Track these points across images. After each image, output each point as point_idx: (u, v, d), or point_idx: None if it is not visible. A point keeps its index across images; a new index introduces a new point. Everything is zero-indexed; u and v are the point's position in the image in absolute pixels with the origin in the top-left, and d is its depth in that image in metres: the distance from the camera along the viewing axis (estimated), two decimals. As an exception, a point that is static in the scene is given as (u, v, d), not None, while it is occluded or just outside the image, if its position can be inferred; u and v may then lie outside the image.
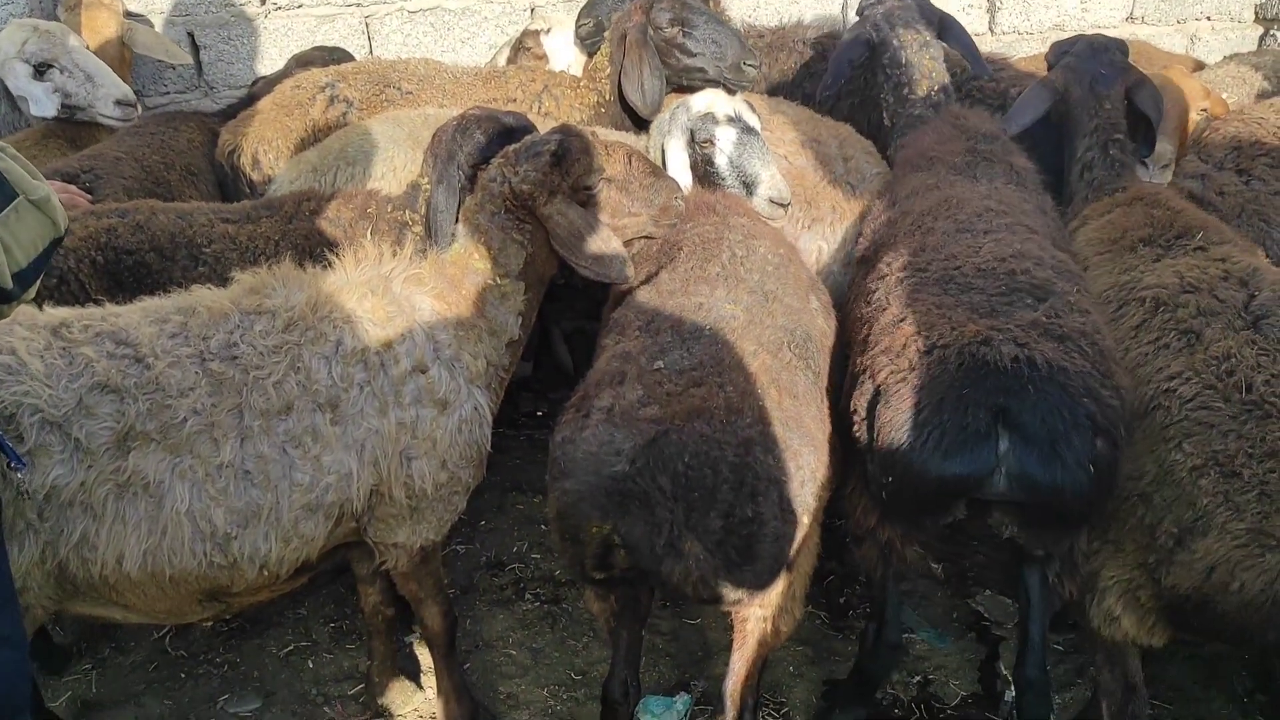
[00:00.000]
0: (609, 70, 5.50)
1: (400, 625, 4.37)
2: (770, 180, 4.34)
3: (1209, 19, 8.03)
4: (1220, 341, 3.46)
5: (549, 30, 6.39)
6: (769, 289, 3.65)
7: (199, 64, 7.18)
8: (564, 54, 6.34)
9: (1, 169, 2.41)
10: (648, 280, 3.80)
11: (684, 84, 5.42)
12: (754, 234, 3.97)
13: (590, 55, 6.03)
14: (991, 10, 7.84)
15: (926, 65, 5.01)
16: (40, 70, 5.55)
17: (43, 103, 5.58)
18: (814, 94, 6.00)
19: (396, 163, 5.01)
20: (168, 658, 4.53)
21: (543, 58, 6.35)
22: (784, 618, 3.32)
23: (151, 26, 6.76)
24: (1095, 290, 3.98)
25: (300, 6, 7.22)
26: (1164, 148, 4.97)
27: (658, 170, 3.93)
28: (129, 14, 6.47)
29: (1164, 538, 3.22)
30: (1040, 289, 3.51)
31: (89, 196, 4.70)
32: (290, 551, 3.33)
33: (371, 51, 7.32)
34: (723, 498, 2.95)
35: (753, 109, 4.57)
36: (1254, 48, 7.93)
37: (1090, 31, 7.31)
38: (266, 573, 3.32)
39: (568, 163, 3.60)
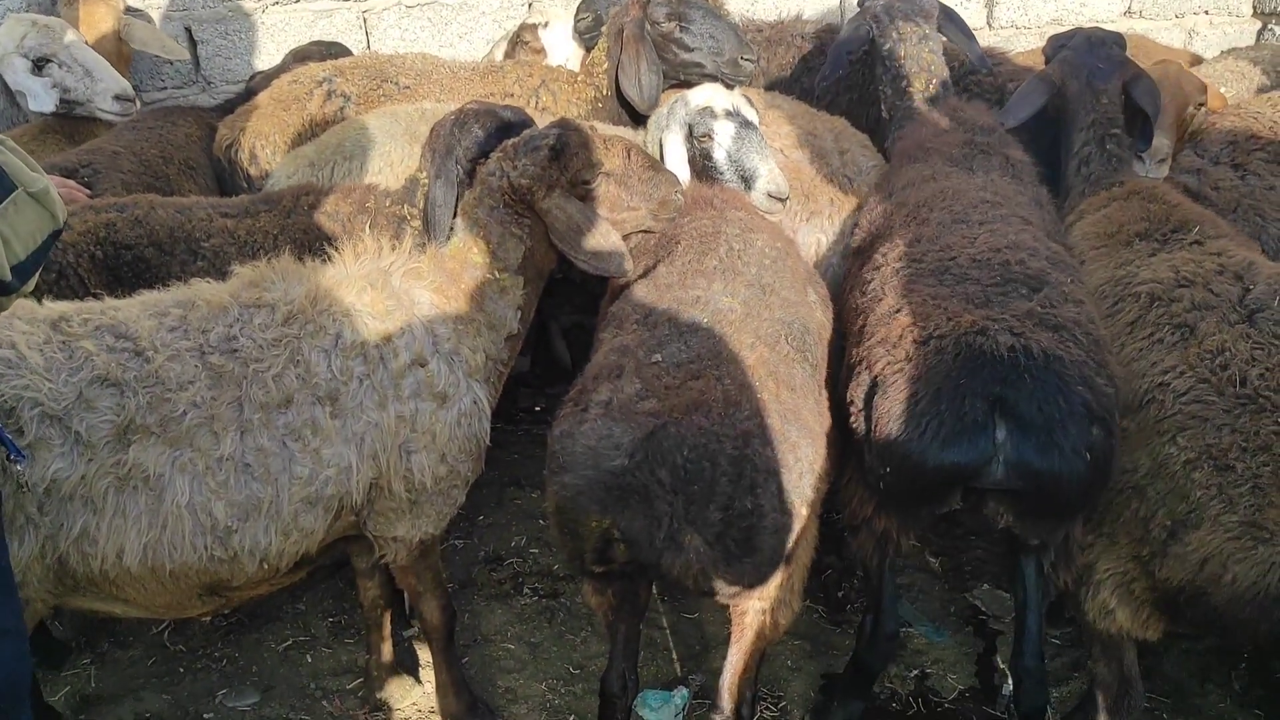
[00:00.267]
0: (606, 65, 5.50)
1: (399, 620, 4.39)
2: (768, 174, 4.34)
3: (1207, 13, 8.03)
4: (1215, 335, 3.47)
5: (546, 24, 6.39)
6: (766, 282, 3.66)
7: (196, 59, 7.18)
8: (561, 48, 6.34)
9: (0, 162, 2.41)
10: (645, 274, 3.81)
11: (682, 79, 5.42)
12: (751, 227, 3.97)
13: (588, 50, 6.03)
14: (990, 5, 7.84)
15: (925, 58, 5.02)
16: (39, 65, 5.55)
17: (41, 98, 5.58)
18: (813, 88, 6.01)
19: (394, 157, 5.01)
20: (167, 652, 4.54)
21: (540, 52, 6.35)
22: (782, 610, 3.32)
23: (150, 21, 6.76)
24: (1091, 284, 4.00)
25: (298, 1, 7.22)
26: (1160, 142, 4.97)
27: (656, 164, 3.94)
28: (129, 9, 6.47)
29: (1158, 531, 3.24)
30: (1035, 279, 3.52)
31: (88, 191, 4.70)
32: (290, 545, 3.34)
33: (369, 46, 7.31)
34: (721, 490, 2.96)
35: (750, 103, 4.58)
36: (1252, 42, 7.93)
37: (1088, 25, 7.31)
38: (266, 566, 3.33)
39: (566, 157, 3.61)
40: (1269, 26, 7.90)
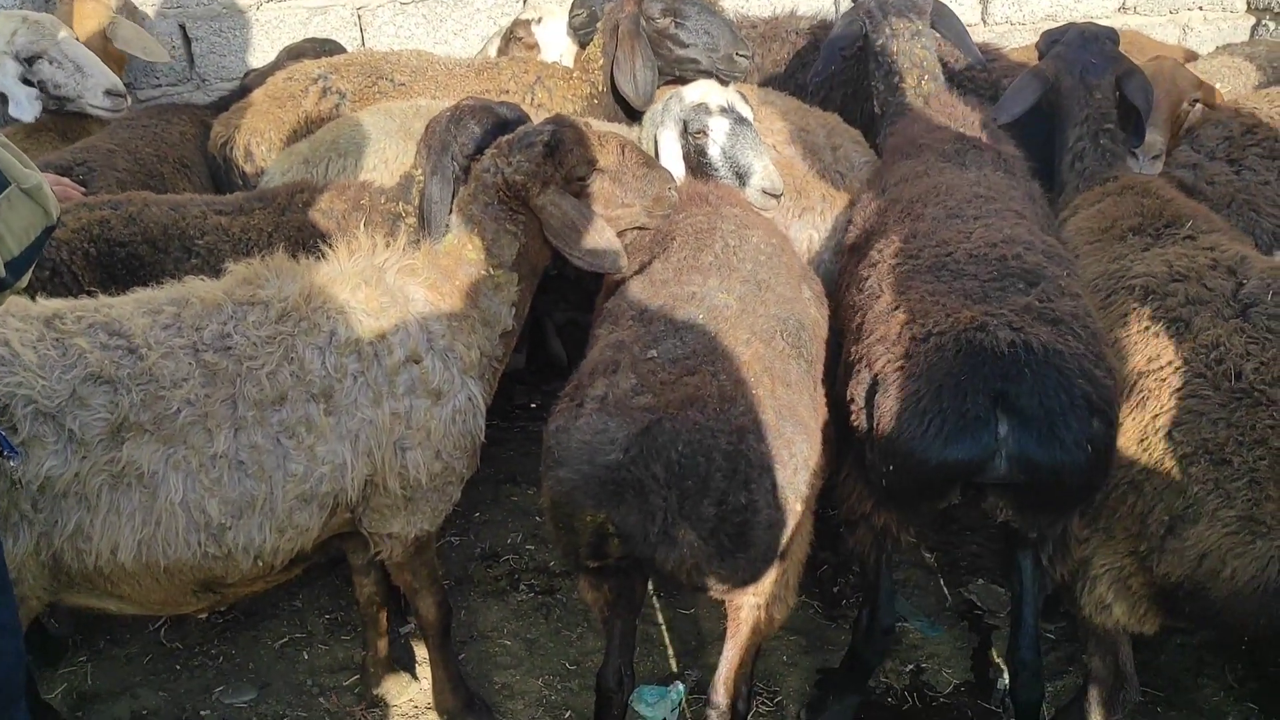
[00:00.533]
0: (602, 61, 5.49)
1: (395, 616, 4.39)
2: (763, 170, 4.34)
3: (1201, 9, 8.03)
4: (1209, 330, 3.48)
5: (540, 20, 6.38)
6: (761, 278, 3.66)
7: (191, 56, 7.17)
8: (556, 44, 6.33)
9: (-6, 158, 2.41)
10: (641, 270, 3.81)
11: (677, 75, 5.42)
12: (746, 224, 3.97)
13: (583, 46, 6.03)
14: (984, 1, 7.84)
15: (918, 54, 5.01)
16: (30, 62, 5.54)
17: (23, 106, 5.56)
18: (806, 84, 6.01)
19: (388, 154, 5.00)
20: (163, 649, 4.54)
21: (534, 47, 6.34)
22: (777, 605, 3.33)
23: (145, 18, 6.75)
24: (1086, 278, 4.00)
25: (292, -2, 7.21)
26: (1154, 138, 4.97)
27: (651, 161, 3.94)
28: (125, 6, 6.46)
29: (1155, 526, 3.24)
30: (1031, 273, 3.53)
31: (82, 189, 4.70)
32: (285, 542, 3.34)
33: (364, 43, 7.31)
34: (716, 485, 2.96)
35: (745, 100, 4.58)
36: (1246, 37, 7.93)
37: (1082, 21, 7.32)
38: (261, 563, 3.33)
39: (561, 153, 3.61)
40: (1263, 22, 7.90)
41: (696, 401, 3.03)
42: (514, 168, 3.59)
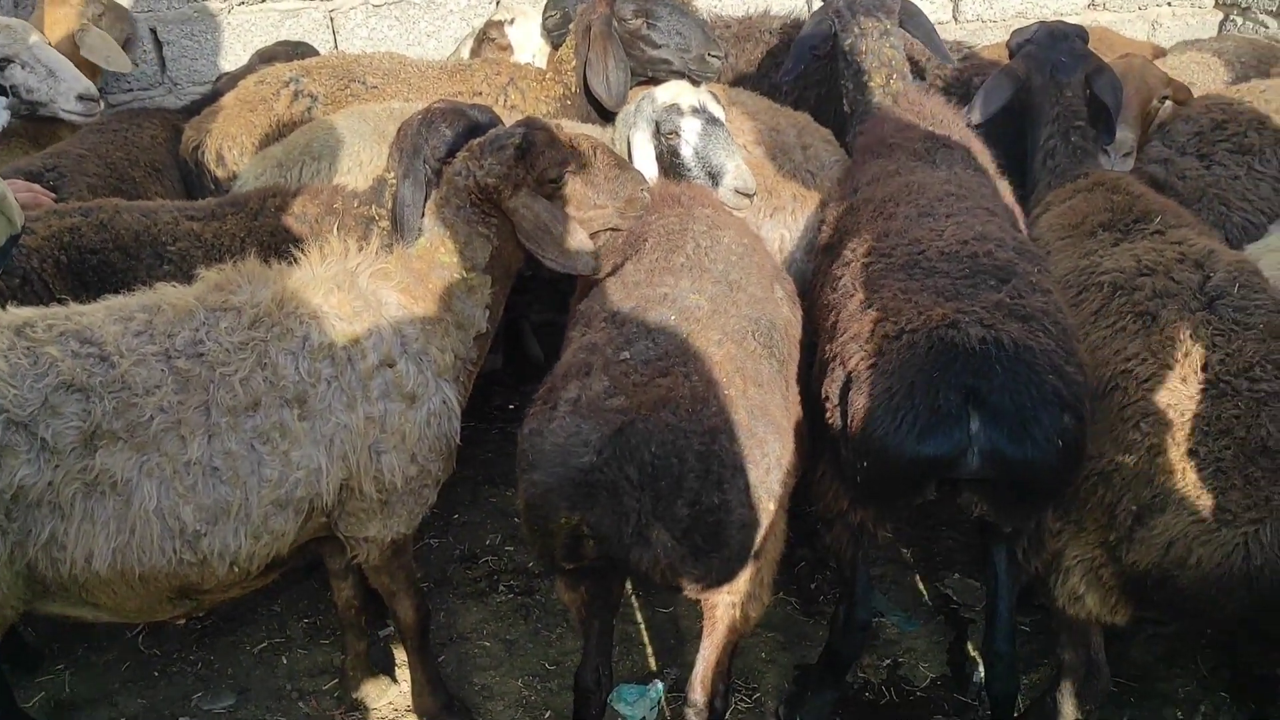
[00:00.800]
0: (574, 62, 5.50)
1: (374, 619, 4.39)
2: (735, 170, 4.36)
3: (1170, 4, 8.11)
4: (1176, 323, 3.52)
5: (513, 21, 6.38)
6: (733, 279, 3.67)
7: (162, 60, 7.14)
8: (528, 45, 6.34)
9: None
10: (614, 272, 3.82)
11: (650, 76, 5.43)
12: (718, 224, 3.99)
13: (556, 47, 6.03)
14: (955, -1, 7.90)
15: (886, 53, 5.04)
16: (0, 67, 5.50)
17: None
18: (780, 84, 6.03)
19: (362, 157, 4.99)
20: (141, 656, 4.53)
21: (506, 48, 6.34)
22: (753, 604, 3.35)
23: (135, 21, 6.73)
24: (1057, 274, 4.04)
25: (264, 2, 7.19)
26: (1124, 135, 5.02)
27: (623, 163, 3.95)
28: (115, 10, 6.44)
29: (1124, 516, 3.29)
30: (1003, 270, 3.56)
31: (53, 195, 4.67)
32: (260, 547, 3.34)
33: (336, 46, 7.29)
34: (689, 486, 2.98)
35: (717, 100, 4.59)
36: (1214, 33, 8.01)
37: (1052, 18, 7.36)
38: (237, 569, 3.33)
39: (532, 156, 3.61)
40: (1230, 17, 7.98)
41: (669, 403, 3.05)
42: (486, 170, 3.60)
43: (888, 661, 4.43)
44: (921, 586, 4.86)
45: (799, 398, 3.68)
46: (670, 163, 4.51)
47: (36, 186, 4.56)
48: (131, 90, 7.14)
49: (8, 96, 5.52)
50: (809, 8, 7.43)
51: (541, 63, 6.15)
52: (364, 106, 5.43)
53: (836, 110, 5.60)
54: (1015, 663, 3.76)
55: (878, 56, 5.03)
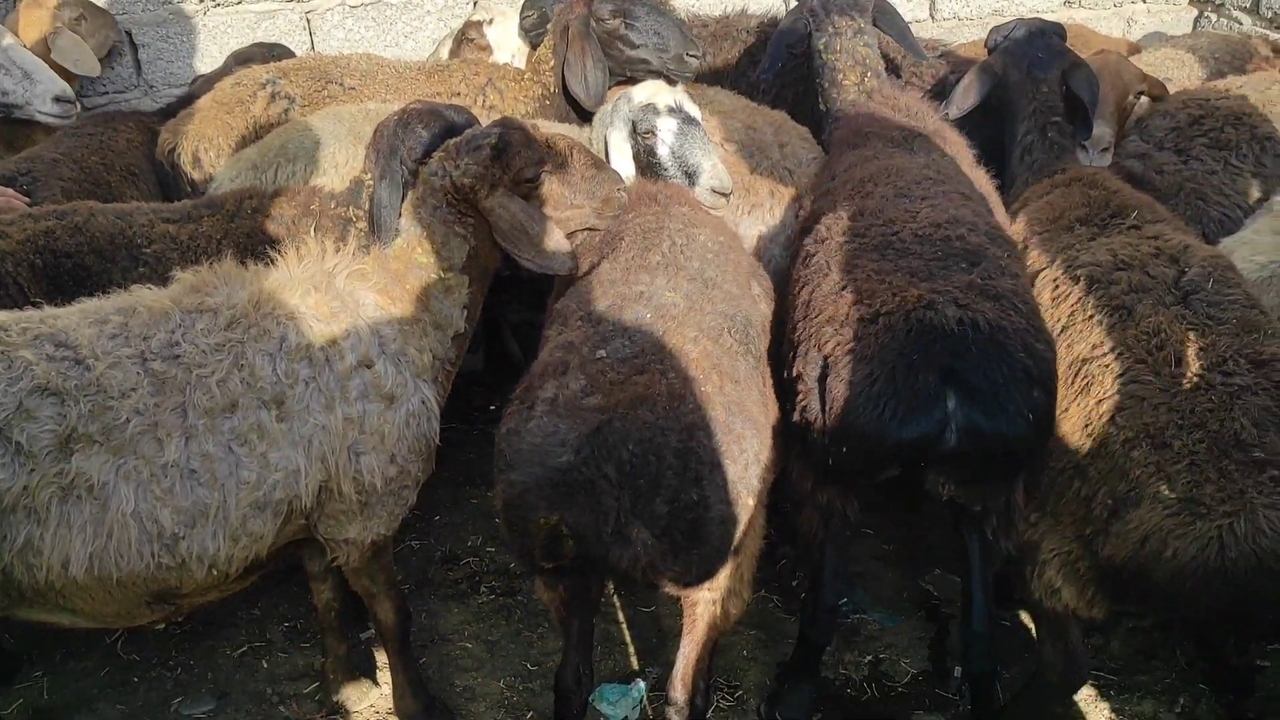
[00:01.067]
0: (553, 62, 5.50)
1: (355, 622, 4.38)
2: (712, 170, 4.37)
3: (1144, 1, 8.16)
4: (1151, 317, 3.55)
5: (491, 21, 6.37)
6: (709, 276, 3.68)
7: (138, 63, 7.09)
8: (507, 45, 6.32)
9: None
10: (590, 271, 3.82)
11: (628, 75, 5.44)
12: (694, 222, 4.00)
13: (534, 47, 6.03)
14: (932, -4, 7.93)
15: (860, 52, 5.06)
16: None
17: None
18: (758, 83, 6.05)
19: (338, 159, 4.98)
20: (120, 662, 4.50)
21: (485, 49, 6.33)
22: (733, 600, 3.36)
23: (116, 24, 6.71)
24: (1034, 269, 4.07)
25: (240, 3, 7.14)
26: (1101, 131, 5.05)
27: (599, 162, 3.95)
28: (92, 11, 6.40)
29: (1099, 509, 3.31)
30: (974, 254, 3.62)
31: (27, 199, 4.65)
32: (239, 550, 3.32)
33: (313, 47, 7.25)
34: (667, 483, 2.98)
35: (694, 100, 4.60)
36: (1189, 29, 8.07)
37: (1029, 16, 7.40)
38: (215, 572, 3.31)
39: (508, 156, 3.61)
40: (1205, 14, 8.04)
41: (646, 400, 3.05)
42: (462, 170, 3.59)
43: (869, 658, 4.44)
44: (901, 583, 4.88)
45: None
46: (647, 162, 4.51)
47: (10, 191, 4.54)
48: (107, 93, 7.09)
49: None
50: (786, 7, 7.44)
51: (520, 63, 6.14)
52: (340, 108, 5.41)
53: (813, 108, 5.62)
54: (991, 644, 3.81)
55: (852, 55, 5.05)
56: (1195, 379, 3.34)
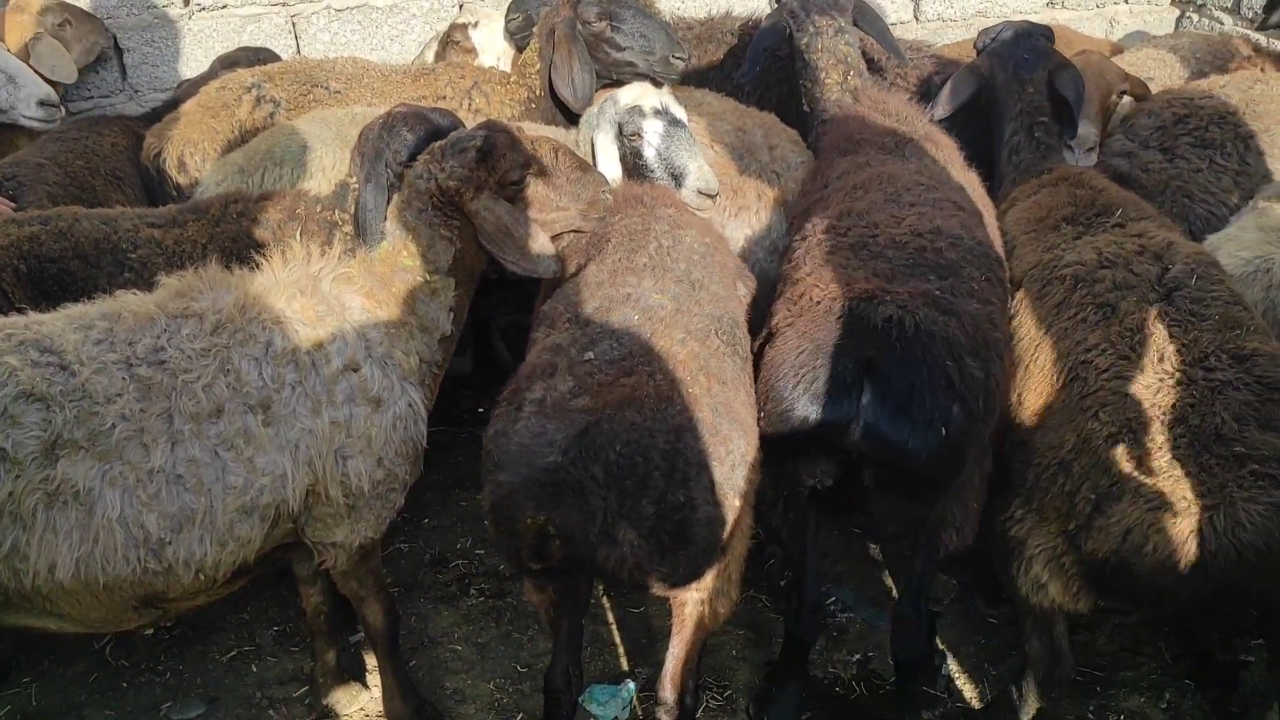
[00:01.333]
0: (539, 65, 5.51)
1: (344, 625, 4.37)
2: (698, 172, 4.38)
3: (1127, 2, 8.20)
4: (1135, 314, 3.57)
5: (476, 24, 6.38)
6: (696, 278, 3.69)
7: (123, 67, 7.08)
8: (492, 48, 6.33)
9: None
10: (577, 272, 3.83)
11: (614, 78, 5.44)
12: (680, 224, 4.01)
13: (520, 50, 6.04)
14: (916, -2, 7.96)
15: (841, 51, 5.08)
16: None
17: None
18: (743, 85, 6.06)
19: (325, 162, 4.98)
20: (109, 667, 4.49)
21: (470, 51, 6.34)
22: (720, 600, 3.37)
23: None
24: (1022, 268, 4.09)
25: (224, 7, 7.13)
26: (1087, 131, 5.08)
27: (584, 164, 3.96)
28: (78, 17, 6.39)
29: (1083, 504, 3.34)
30: (945, 268, 3.63)
31: (12, 204, 4.63)
32: (226, 555, 3.32)
33: (299, 51, 7.25)
34: (654, 484, 2.99)
35: (680, 102, 4.61)
36: (1171, 29, 8.11)
37: (1012, 17, 7.45)
38: (203, 577, 3.31)
39: (493, 158, 3.62)
40: (1186, 14, 8.09)
41: (633, 402, 3.06)
42: (447, 173, 3.60)
43: (857, 656, 4.46)
44: (889, 582, 4.89)
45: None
46: (633, 164, 4.52)
47: (-6, 196, 4.52)
48: (92, 97, 7.08)
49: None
50: (771, 7, 7.46)
51: (506, 66, 6.15)
52: (326, 111, 5.40)
53: (797, 109, 5.64)
54: (919, 628, 3.88)
55: (833, 54, 5.07)
56: (1177, 374, 3.36)
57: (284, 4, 7.21)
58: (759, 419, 3.46)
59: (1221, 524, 3.04)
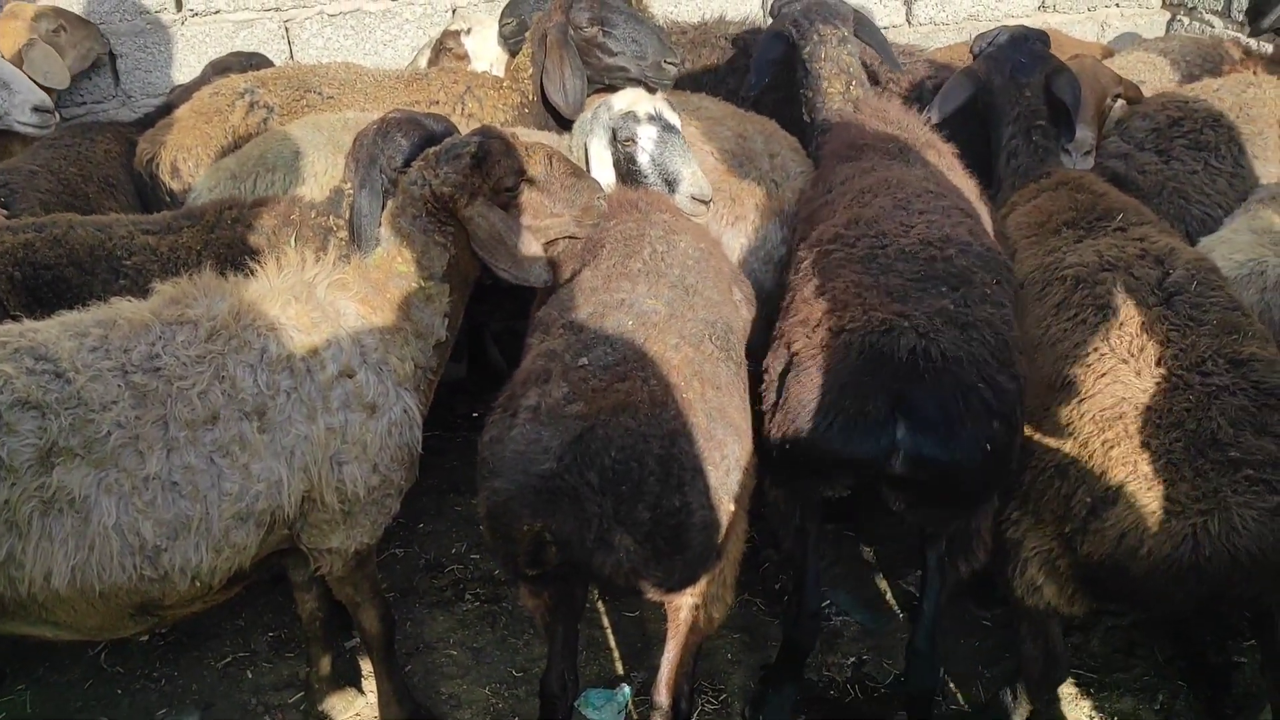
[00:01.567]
0: (531, 70, 5.51)
1: (340, 631, 4.37)
2: (691, 177, 4.39)
3: (1118, 5, 8.22)
4: (1134, 317, 3.59)
5: (469, 30, 6.38)
6: (690, 283, 3.70)
7: (115, 73, 7.08)
8: (485, 54, 6.34)
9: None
10: (572, 278, 3.84)
11: (606, 83, 5.45)
12: (675, 229, 4.01)
13: (513, 55, 6.04)
14: (908, 2, 7.97)
15: (845, 60, 5.10)
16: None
17: None
18: (738, 89, 6.07)
19: (317, 168, 4.97)
20: (104, 674, 4.48)
21: (463, 58, 6.34)
22: (716, 605, 3.37)
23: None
24: (1023, 272, 4.10)
25: (217, 13, 7.13)
26: (1084, 134, 5.10)
27: (579, 170, 3.97)
28: (72, 24, 6.38)
29: (1079, 508, 3.35)
30: (957, 277, 3.61)
31: (4, 211, 4.62)
32: (222, 561, 3.32)
33: (292, 56, 7.25)
34: (650, 490, 3.00)
35: (673, 107, 4.62)
36: (1162, 33, 8.14)
37: (1005, 20, 7.48)
38: (199, 584, 3.31)
39: (488, 165, 3.63)
40: (1178, 17, 8.12)
41: (628, 407, 3.07)
42: (441, 179, 3.61)
43: (852, 660, 4.47)
44: (884, 584, 4.91)
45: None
46: (627, 170, 4.53)
47: (-12, 203, 4.52)
48: (85, 104, 7.07)
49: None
50: (764, 12, 7.48)
51: (499, 71, 6.15)
52: (319, 116, 5.41)
53: (794, 117, 5.65)
54: (934, 661, 3.84)
55: (837, 63, 5.09)
56: (1174, 379, 3.38)
57: (277, 9, 7.21)
58: (775, 448, 3.46)
59: (1216, 528, 3.06)
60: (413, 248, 3.65)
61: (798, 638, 3.96)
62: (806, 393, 3.37)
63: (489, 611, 4.78)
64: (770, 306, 4.18)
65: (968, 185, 4.52)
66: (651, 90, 4.98)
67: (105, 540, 3.10)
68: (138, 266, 4.23)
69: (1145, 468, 3.25)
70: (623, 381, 3.15)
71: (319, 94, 5.72)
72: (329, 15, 7.28)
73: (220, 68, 6.38)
